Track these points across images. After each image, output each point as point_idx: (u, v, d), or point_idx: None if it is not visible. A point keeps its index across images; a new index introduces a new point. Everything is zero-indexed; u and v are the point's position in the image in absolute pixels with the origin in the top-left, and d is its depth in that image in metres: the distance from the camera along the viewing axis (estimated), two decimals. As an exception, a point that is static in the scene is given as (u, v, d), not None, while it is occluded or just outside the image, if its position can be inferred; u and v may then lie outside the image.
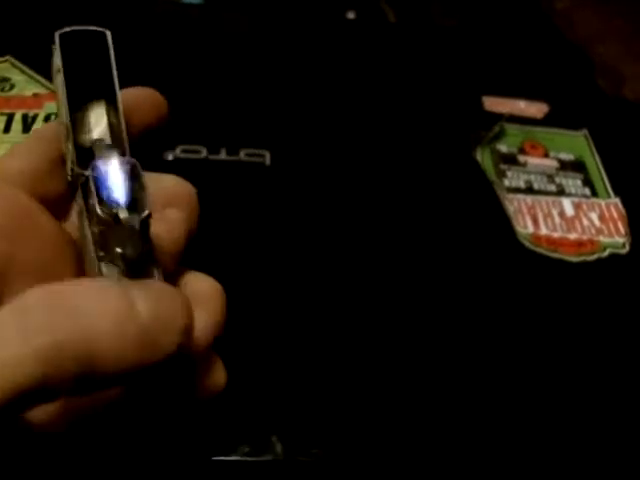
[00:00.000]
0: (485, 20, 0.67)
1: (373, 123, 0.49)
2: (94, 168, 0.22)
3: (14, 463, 0.22)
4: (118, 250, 0.22)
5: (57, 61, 0.24)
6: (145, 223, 0.22)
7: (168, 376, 0.22)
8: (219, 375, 0.25)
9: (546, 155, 0.48)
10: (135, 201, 0.21)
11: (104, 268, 0.22)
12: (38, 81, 0.47)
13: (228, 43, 0.55)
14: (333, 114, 0.49)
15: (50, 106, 0.45)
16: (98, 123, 0.24)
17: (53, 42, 0.24)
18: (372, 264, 0.40)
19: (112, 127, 0.24)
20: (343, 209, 0.43)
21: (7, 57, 0.49)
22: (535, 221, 0.44)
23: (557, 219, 0.44)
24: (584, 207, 0.45)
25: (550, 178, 0.47)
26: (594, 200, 0.46)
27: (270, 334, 0.36)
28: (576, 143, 0.50)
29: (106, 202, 0.21)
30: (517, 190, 0.46)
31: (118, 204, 0.21)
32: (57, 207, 0.26)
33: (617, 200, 0.46)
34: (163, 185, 0.26)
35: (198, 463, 0.31)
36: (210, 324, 0.24)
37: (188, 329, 0.22)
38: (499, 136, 0.49)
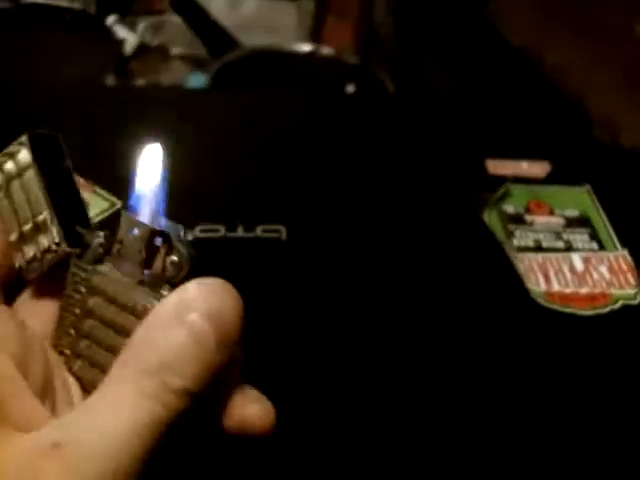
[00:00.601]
0: (479, 79, 0.69)
1: (383, 193, 0.51)
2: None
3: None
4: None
5: (26, 157, 0.26)
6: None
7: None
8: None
9: (552, 213, 0.50)
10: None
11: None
12: None
13: (235, 123, 0.57)
14: (343, 186, 0.51)
15: None
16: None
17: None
18: (389, 328, 0.41)
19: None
20: (359, 279, 0.44)
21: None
22: (547, 278, 0.45)
23: (568, 274, 0.45)
24: (593, 261, 0.46)
25: (558, 235, 0.48)
26: (602, 253, 0.47)
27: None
28: (580, 199, 0.51)
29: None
30: (526, 249, 0.47)
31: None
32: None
33: (625, 252, 0.47)
34: None
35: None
36: None
37: None
38: (504, 197, 0.50)
